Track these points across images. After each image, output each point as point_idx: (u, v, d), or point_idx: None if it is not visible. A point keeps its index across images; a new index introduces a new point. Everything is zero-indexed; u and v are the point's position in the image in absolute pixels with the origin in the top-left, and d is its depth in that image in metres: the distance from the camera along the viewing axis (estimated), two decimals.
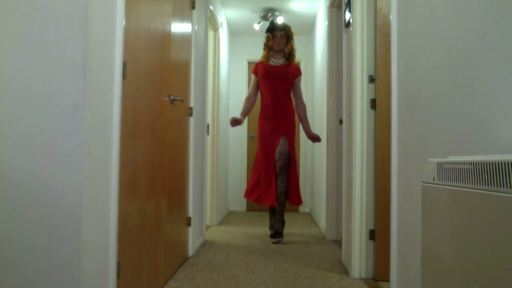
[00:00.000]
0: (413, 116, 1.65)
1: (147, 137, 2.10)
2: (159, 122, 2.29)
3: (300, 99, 3.99)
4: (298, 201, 3.88)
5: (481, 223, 0.83)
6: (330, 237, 3.91)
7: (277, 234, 3.78)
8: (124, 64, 1.74)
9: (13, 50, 1.43)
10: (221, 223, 4.91)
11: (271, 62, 3.96)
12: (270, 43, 3.94)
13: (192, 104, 3.14)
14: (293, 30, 4.02)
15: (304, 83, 6.22)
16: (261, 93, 3.99)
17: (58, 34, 1.42)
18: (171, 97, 2.51)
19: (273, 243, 3.70)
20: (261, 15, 5.39)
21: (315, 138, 3.96)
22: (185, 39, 2.93)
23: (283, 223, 3.86)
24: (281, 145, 3.79)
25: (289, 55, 3.96)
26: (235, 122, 3.90)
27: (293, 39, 3.98)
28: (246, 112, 4.03)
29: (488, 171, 0.81)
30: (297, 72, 3.97)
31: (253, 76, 4.04)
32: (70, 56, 1.42)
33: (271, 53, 3.99)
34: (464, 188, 0.90)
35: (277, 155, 3.77)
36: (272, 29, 3.96)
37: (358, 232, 2.57)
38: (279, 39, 3.92)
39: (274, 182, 3.76)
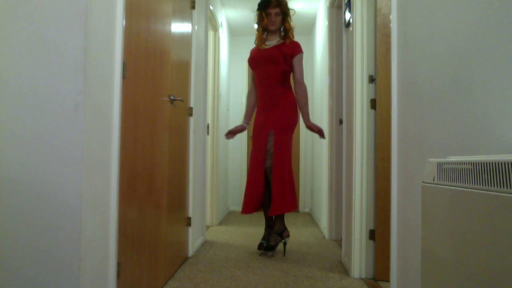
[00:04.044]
0: (413, 116, 1.65)
1: (147, 137, 2.10)
2: (159, 122, 2.29)
3: (298, 82, 3.28)
4: (279, 208, 3.14)
5: (481, 223, 0.83)
6: (330, 237, 3.90)
7: (261, 245, 3.22)
8: (124, 64, 1.74)
9: (13, 50, 1.43)
10: (221, 223, 4.91)
11: (265, 45, 3.35)
12: (264, 23, 3.30)
13: (192, 104, 3.14)
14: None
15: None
16: (255, 84, 3.42)
17: (58, 34, 1.42)
18: (171, 97, 2.51)
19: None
20: None
21: (315, 130, 3.32)
22: (185, 39, 2.93)
23: (278, 234, 3.23)
24: (269, 141, 3.20)
25: (285, 33, 3.31)
26: (231, 133, 3.49)
27: (290, 17, 3.33)
28: (249, 112, 3.50)
29: (488, 171, 0.81)
30: (293, 51, 3.28)
31: (249, 67, 3.49)
32: (70, 56, 1.42)
33: (265, 34, 3.37)
34: (464, 188, 0.90)
35: (266, 153, 3.20)
36: (266, 6, 3.29)
37: (358, 232, 2.57)
38: (274, 17, 3.27)
39: (261, 186, 3.20)
